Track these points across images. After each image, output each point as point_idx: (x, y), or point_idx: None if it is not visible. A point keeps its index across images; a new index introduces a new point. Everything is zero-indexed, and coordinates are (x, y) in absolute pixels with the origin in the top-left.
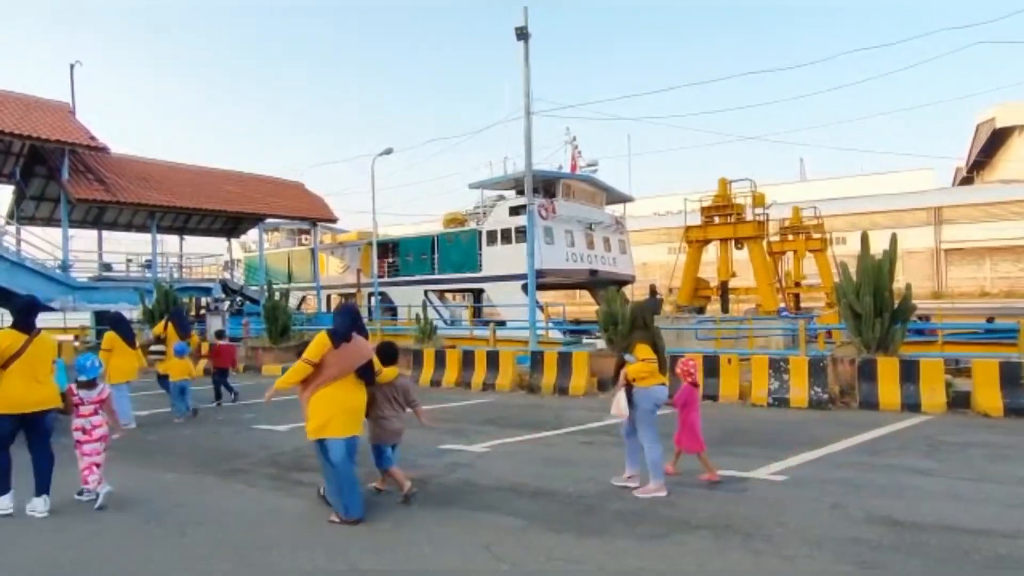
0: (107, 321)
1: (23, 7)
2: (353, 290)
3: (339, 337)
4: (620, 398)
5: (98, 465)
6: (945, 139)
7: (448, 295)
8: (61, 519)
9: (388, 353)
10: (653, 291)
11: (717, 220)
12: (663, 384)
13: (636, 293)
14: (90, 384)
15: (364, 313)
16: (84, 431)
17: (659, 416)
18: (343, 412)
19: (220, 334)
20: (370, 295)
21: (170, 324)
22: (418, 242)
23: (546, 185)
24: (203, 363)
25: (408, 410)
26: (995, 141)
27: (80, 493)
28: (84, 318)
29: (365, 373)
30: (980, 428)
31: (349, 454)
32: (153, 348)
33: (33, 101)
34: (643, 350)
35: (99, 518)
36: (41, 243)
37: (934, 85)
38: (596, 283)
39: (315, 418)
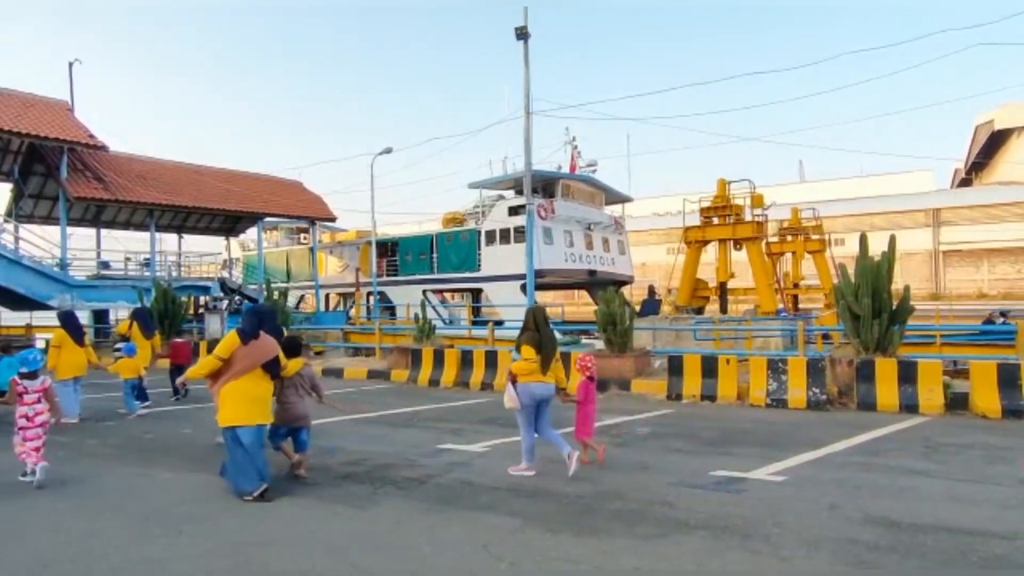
0: (58, 319)
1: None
2: (352, 289)
3: (247, 336)
4: (509, 391)
5: (38, 449)
6: (944, 141)
7: (447, 295)
8: (58, 518)
9: (292, 347)
10: (652, 291)
11: (716, 221)
12: (542, 382)
13: (635, 293)
14: (32, 375)
15: (363, 312)
16: (27, 418)
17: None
18: (252, 402)
19: (179, 332)
20: (369, 294)
21: (134, 324)
22: (417, 241)
23: (545, 185)
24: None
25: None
26: (994, 143)
27: (24, 475)
28: (82, 316)
29: (271, 367)
30: (978, 429)
31: (258, 439)
32: (117, 346)
33: (32, 99)
34: (527, 350)
35: (95, 517)
36: (39, 241)
37: (933, 87)
38: (595, 283)
39: (226, 408)
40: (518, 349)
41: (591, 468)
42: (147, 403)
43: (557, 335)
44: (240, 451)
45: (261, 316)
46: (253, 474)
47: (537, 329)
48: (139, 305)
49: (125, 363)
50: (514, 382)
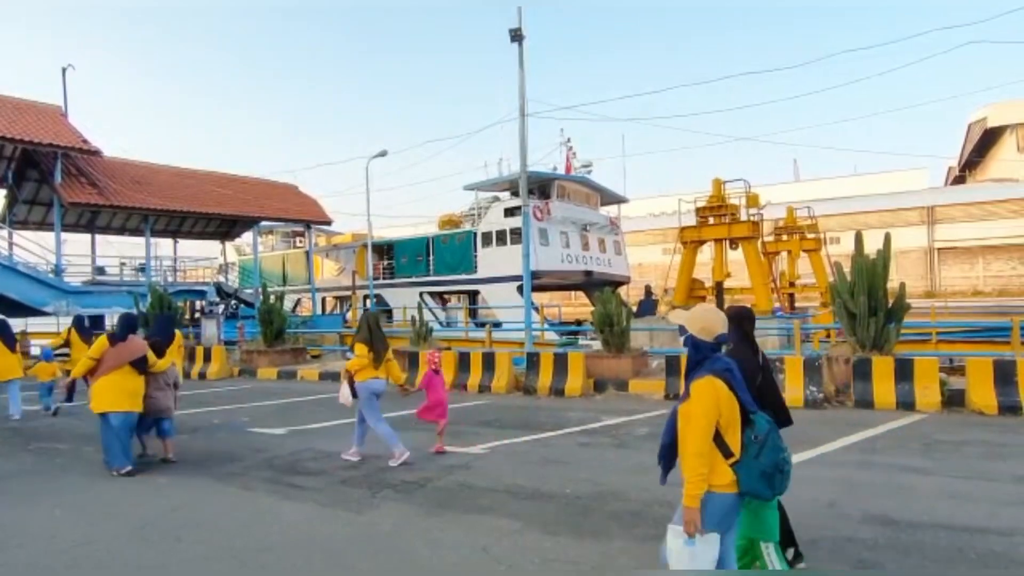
0: None
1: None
2: (348, 292)
3: (116, 339)
4: (344, 389)
5: None
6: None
7: (444, 297)
8: (54, 525)
9: (158, 348)
10: (648, 291)
11: (712, 221)
12: (377, 377)
13: (631, 294)
14: None
15: (359, 315)
16: None
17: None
18: (120, 392)
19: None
20: (365, 297)
21: (73, 332)
22: (413, 244)
23: (541, 186)
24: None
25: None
26: (987, 141)
27: None
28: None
29: (138, 364)
30: (974, 426)
31: (125, 424)
32: (58, 352)
33: (25, 104)
34: (360, 348)
35: (93, 523)
36: (34, 247)
37: (926, 85)
38: (591, 284)
39: (98, 397)
40: (352, 349)
41: (591, 470)
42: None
43: (554, 336)
44: (111, 434)
45: (130, 324)
46: (119, 452)
47: (370, 331)
48: (77, 317)
49: (43, 367)
50: (351, 381)
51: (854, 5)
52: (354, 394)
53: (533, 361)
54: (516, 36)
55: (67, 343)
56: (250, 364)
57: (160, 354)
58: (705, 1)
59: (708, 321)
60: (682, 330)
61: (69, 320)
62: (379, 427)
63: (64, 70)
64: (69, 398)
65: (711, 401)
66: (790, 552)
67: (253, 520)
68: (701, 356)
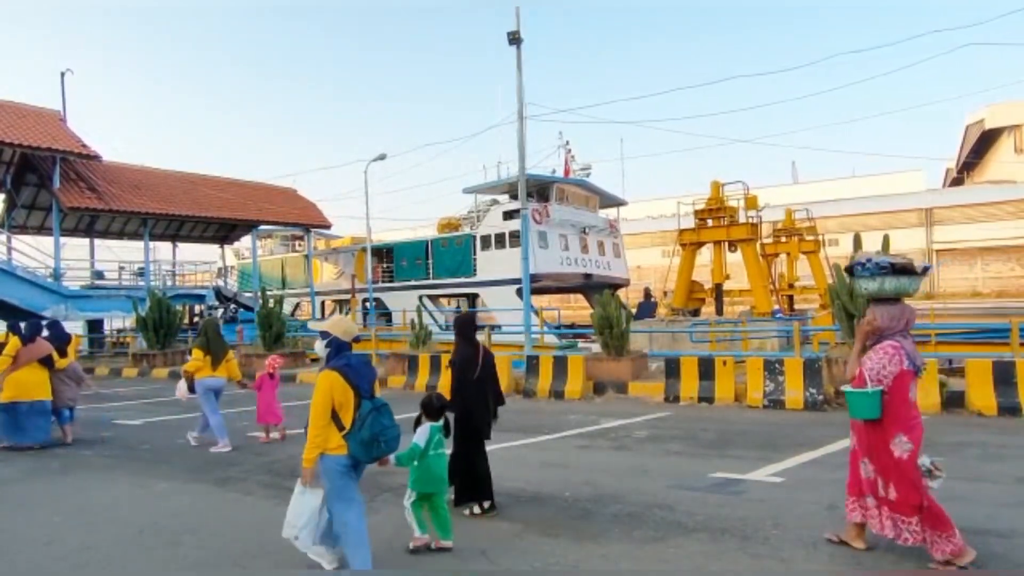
0: None
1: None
2: (347, 296)
3: (26, 340)
4: (181, 385)
5: None
6: (935, 141)
7: (443, 300)
8: (53, 530)
9: (61, 349)
10: (648, 294)
11: (710, 223)
12: (214, 376)
13: (631, 296)
14: None
15: (359, 318)
16: None
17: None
18: (28, 383)
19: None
20: (364, 301)
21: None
22: (412, 247)
23: (540, 189)
24: None
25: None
26: (985, 142)
27: None
28: (77, 327)
29: (44, 362)
30: (974, 427)
31: (32, 410)
32: None
33: (24, 109)
34: (197, 352)
35: (92, 528)
36: (32, 252)
37: (924, 87)
38: (590, 287)
39: (8, 389)
40: (190, 352)
41: (591, 472)
42: None
43: (554, 338)
44: (19, 417)
45: (36, 328)
46: (23, 434)
47: (207, 338)
48: (11, 320)
49: None
50: (191, 379)
51: (853, 8)
52: (192, 390)
53: (532, 364)
54: (514, 39)
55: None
56: (249, 368)
57: (63, 354)
58: (704, 3)
59: (347, 326)
60: (324, 335)
61: (78, 325)
62: (213, 418)
63: (63, 74)
64: None
65: (326, 388)
66: (487, 504)
67: (252, 525)
68: (337, 353)
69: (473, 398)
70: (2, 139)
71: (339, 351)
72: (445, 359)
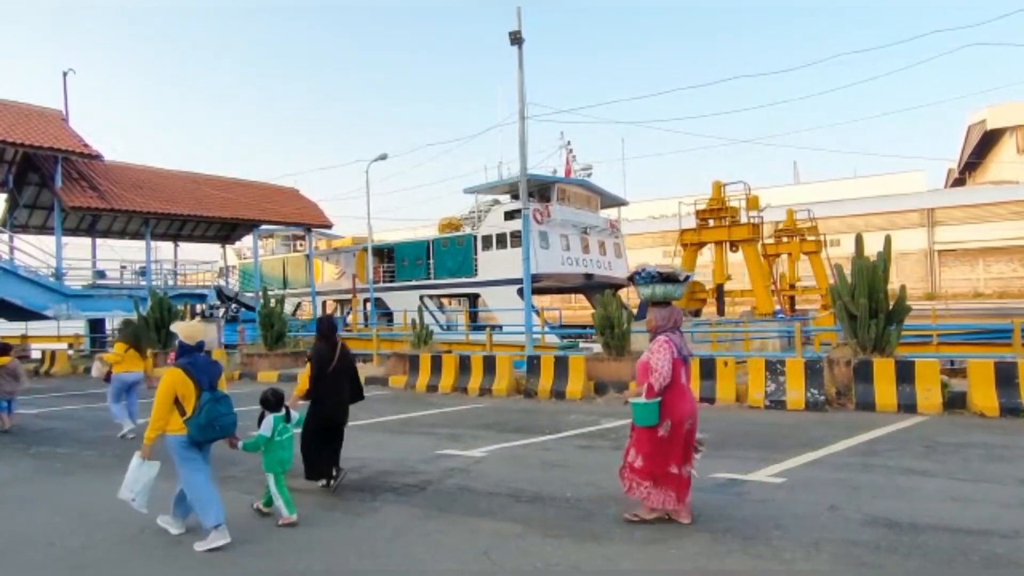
0: None
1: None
2: (348, 296)
3: None
4: (97, 365)
5: None
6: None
7: (444, 300)
8: (53, 531)
9: (3, 350)
10: None
11: (712, 223)
12: (130, 371)
13: (631, 296)
14: None
15: (360, 318)
16: None
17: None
18: None
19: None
20: (365, 301)
21: None
22: (413, 247)
23: (541, 189)
24: None
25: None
26: (986, 143)
27: None
28: (78, 326)
29: None
30: (976, 428)
31: None
32: None
33: (26, 109)
34: (118, 347)
35: (93, 529)
36: (34, 251)
37: (926, 87)
38: (591, 287)
39: None
40: (112, 345)
41: (592, 473)
42: None
43: (555, 338)
44: None
45: None
46: None
47: (136, 337)
48: None
49: None
50: (109, 371)
51: (855, 7)
52: (107, 380)
53: (533, 364)
54: (516, 39)
55: None
56: (250, 367)
57: (6, 354)
58: (706, 3)
59: (193, 331)
60: (172, 335)
61: (80, 325)
62: (112, 407)
63: (65, 74)
64: None
65: (170, 382)
66: (330, 481)
67: (253, 524)
68: (183, 354)
69: (327, 389)
70: (5, 139)
71: (185, 352)
72: (446, 359)
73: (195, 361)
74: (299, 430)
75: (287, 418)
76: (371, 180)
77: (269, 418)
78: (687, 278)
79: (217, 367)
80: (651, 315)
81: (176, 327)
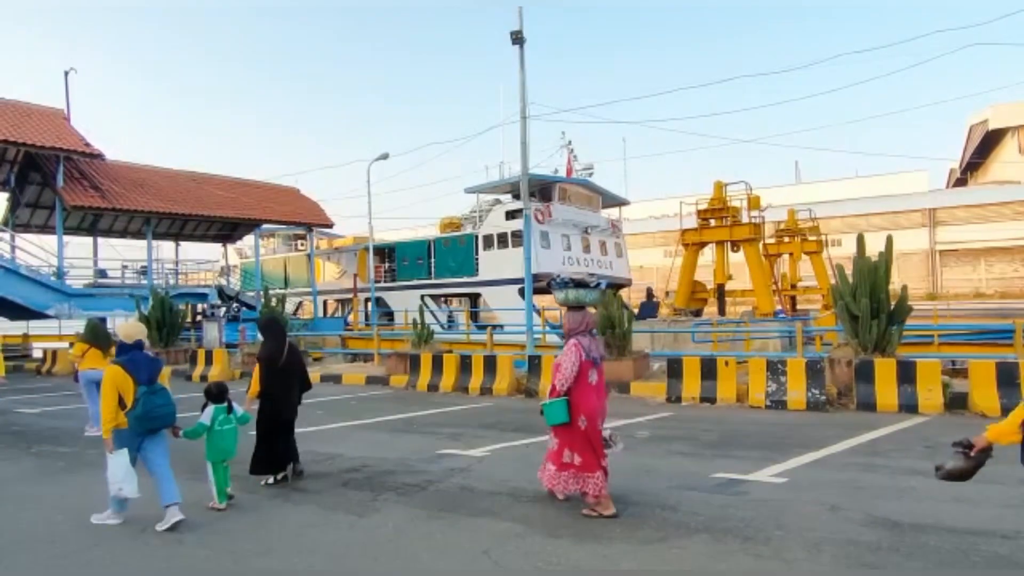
0: None
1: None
2: (349, 295)
3: None
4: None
5: None
6: (939, 141)
7: (445, 299)
8: (55, 530)
9: None
10: (650, 294)
11: (713, 223)
12: (95, 368)
13: (633, 296)
14: None
15: (361, 318)
16: None
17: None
18: None
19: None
20: (367, 300)
21: None
22: (414, 247)
23: (542, 189)
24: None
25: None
26: (988, 143)
27: None
28: (80, 326)
29: None
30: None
31: None
32: None
33: (28, 108)
34: (79, 346)
35: (94, 528)
36: (36, 250)
37: (928, 87)
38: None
39: None
40: (72, 344)
41: None
42: None
43: (556, 338)
44: None
45: None
46: None
47: (95, 336)
48: None
49: None
50: (75, 369)
51: (857, 7)
52: (76, 379)
53: (534, 364)
54: (517, 39)
55: None
56: (251, 367)
57: None
58: (708, 3)
59: (131, 330)
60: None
61: (81, 324)
62: (91, 408)
63: (67, 73)
64: None
65: (111, 379)
66: (280, 475)
67: (254, 523)
68: (122, 352)
69: (276, 386)
70: (7, 138)
71: (124, 350)
72: (447, 358)
73: (133, 358)
74: (244, 426)
75: (229, 409)
76: (372, 180)
77: (210, 408)
78: (598, 284)
79: (156, 363)
80: (565, 319)
81: (117, 327)
